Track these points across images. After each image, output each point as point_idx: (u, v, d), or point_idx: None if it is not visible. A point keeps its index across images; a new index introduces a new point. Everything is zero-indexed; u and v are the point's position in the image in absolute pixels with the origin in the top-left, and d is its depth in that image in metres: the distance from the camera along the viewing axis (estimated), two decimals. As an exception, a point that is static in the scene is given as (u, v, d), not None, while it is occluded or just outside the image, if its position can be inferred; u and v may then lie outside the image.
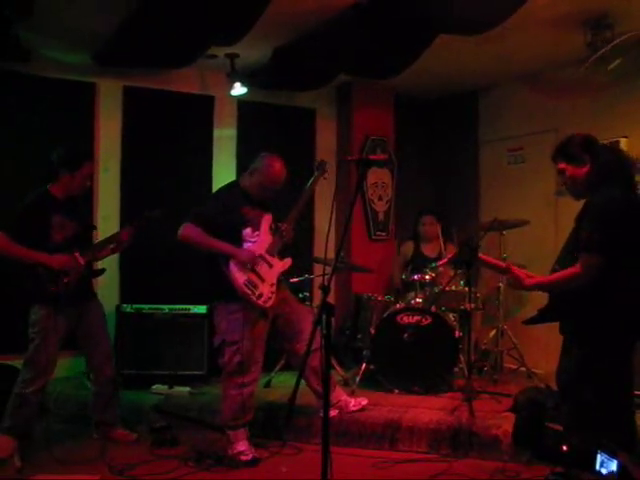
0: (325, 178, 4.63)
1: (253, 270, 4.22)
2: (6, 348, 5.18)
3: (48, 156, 4.36)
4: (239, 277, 4.18)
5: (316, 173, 4.57)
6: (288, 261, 4.46)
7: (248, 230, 4.30)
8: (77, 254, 4.28)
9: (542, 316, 3.39)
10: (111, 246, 4.56)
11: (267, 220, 4.40)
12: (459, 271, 5.19)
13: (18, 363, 4.43)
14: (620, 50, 4.92)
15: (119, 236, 4.54)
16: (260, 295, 4.23)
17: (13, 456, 3.99)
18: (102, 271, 4.72)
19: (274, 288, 4.33)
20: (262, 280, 4.26)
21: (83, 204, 4.62)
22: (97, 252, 4.54)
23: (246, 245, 4.28)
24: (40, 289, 4.18)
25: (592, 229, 3.12)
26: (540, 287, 3.35)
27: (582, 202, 3.35)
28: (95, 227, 4.90)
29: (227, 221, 4.26)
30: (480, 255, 3.67)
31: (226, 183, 4.62)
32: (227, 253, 4.20)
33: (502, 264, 3.44)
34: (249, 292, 4.18)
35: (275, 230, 4.41)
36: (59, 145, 4.43)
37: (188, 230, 4.23)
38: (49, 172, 4.36)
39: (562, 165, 3.39)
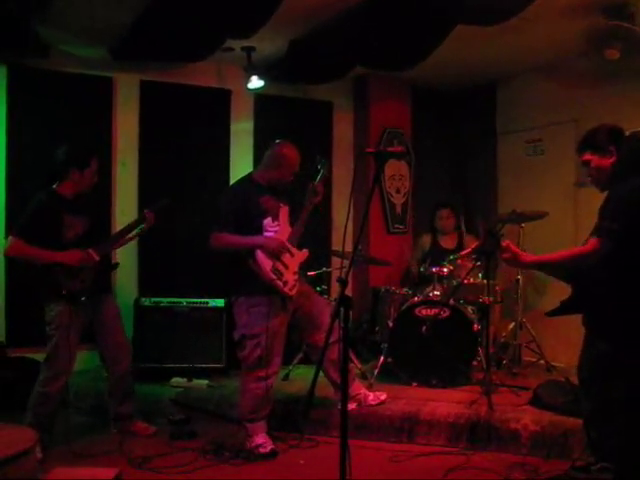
0: (326, 175, 4.62)
1: (278, 258, 4.26)
2: (28, 341, 5.24)
3: (54, 155, 4.36)
4: (266, 264, 4.21)
5: (322, 171, 4.55)
6: (305, 252, 4.48)
7: (268, 220, 4.34)
8: (91, 250, 4.30)
9: (564, 308, 3.35)
10: (133, 232, 4.60)
11: (285, 211, 4.44)
12: (478, 263, 5.16)
13: (39, 356, 4.46)
14: (622, 41, 4.85)
15: (146, 219, 4.55)
16: (286, 282, 4.27)
17: (35, 447, 4.02)
18: (115, 265, 4.77)
19: (297, 276, 4.38)
20: (286, 267, 4.30)
21: (95, 198, 4.61)
22: (114, 243, 4.60)
23: (267, 235, 4.32)
24: (55, 287, 4.19)
25: (613, 218, 3.08)
26: (540, 264, 3.28)
27: (604, 194, 3.31)
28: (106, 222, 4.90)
29: (247, 213, 4.30)
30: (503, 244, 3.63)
31: (239, 178, 4.64)
32: (256, 244, 4.24)
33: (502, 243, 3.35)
34: (275, 277, 4.21)
35: (295, 220, 4.45)
36: (62, 144, 4.42)
37: (214, 240, 4.30)
38: (55, 172, 4.35)
39: (588, 156, 3.34)
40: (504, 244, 3.30)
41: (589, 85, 5.96)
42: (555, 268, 3.23)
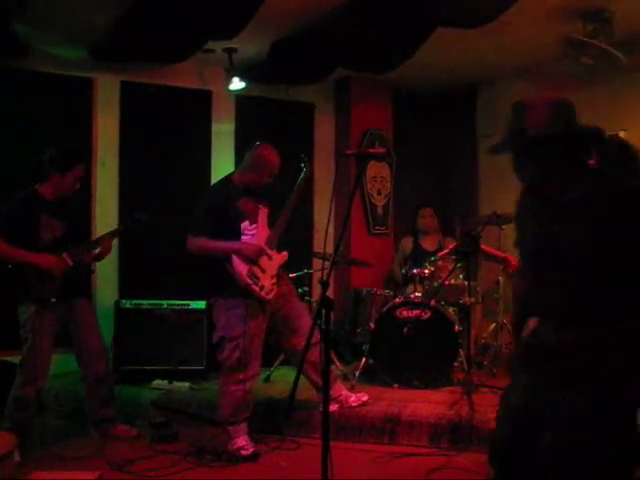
0: (309, 174, 4.65)
1: (255, 262, 4.25)
2: (5, 344, 5.18)
3: (41, 154, 4.33)
4: (242, 268, 4.20)
5: (305, 169, 4.57)
6: (285, 254, 4.47)
7: (246, 223, 4.32)
8: (65, 255, 4.26)
9: None
10: (95, 251, 4.55)
11: (264, 213, 4.43)
12: (459, 265, 5.19)
13: (17, 359, 4.41)
14: (595, 49, 4.91)
15: (103, 243, 4.52)
16: (262, 287, 4.25)
17: (13, 452, 3.98)
18: (92, 271, 4.79)
19: (275, 280, 4.36)
20: (263, 272, 4.29)
21: (76, 202, 4.57)
22: (91, 251, 4.55)
23: (245, 238, 4.30)
24: (27, 289, 4.15)
25: None
26: None
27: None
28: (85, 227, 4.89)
29: (224, 216, 4.27)
30: (482, 246, 3.66)
31: (217, 180, 4.63)
32: (233, 250, 4.22)
33: (500, 254, 3.41)
34: (251, 282, 4.20)
35: (275, 221, 4.45)
36: (53, 145, 4.39)
37: (191, 244, 4.29)
38: (39, 171, 4.31)
39: None
40: (503, 255, 3.35)
41: (569, 88, 6.01)
42: None
